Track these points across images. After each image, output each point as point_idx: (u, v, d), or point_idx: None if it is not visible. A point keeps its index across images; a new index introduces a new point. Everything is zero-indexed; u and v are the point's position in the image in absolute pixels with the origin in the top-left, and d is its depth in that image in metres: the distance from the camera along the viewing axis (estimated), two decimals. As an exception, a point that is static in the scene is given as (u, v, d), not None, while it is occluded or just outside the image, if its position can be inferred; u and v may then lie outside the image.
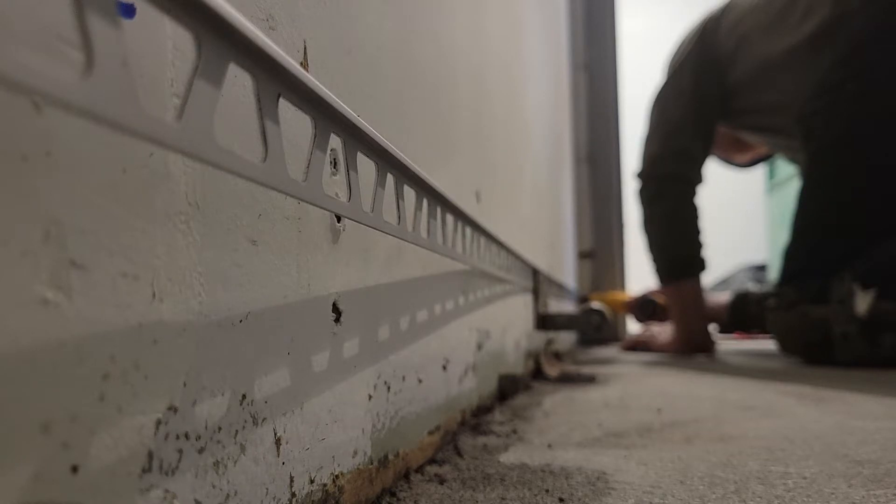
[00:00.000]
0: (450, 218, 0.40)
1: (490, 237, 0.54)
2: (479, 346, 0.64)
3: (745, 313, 1.50)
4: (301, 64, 0.28)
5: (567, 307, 1.46)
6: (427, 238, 0.35)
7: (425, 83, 0.49)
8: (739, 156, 1.72)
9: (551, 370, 1.02)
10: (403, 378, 0.41)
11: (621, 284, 2.13)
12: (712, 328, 1.51)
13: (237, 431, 0.23)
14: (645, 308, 1.70)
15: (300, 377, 0.27)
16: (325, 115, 0.22)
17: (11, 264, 0.14)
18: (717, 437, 0.52)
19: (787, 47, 1.28)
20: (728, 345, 1.75)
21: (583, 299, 1.80)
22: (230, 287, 0.23)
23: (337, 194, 0.29)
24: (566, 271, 1.65)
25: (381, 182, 0.28)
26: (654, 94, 1.55)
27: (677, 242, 1.47)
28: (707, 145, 1.49)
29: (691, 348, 1.44)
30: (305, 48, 0.29)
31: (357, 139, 0.25)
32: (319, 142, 0.22)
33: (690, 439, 0.51)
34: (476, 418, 0.61)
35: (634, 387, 0.88)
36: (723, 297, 1.57)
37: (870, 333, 1.08)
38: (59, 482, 0.15)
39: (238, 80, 0.23)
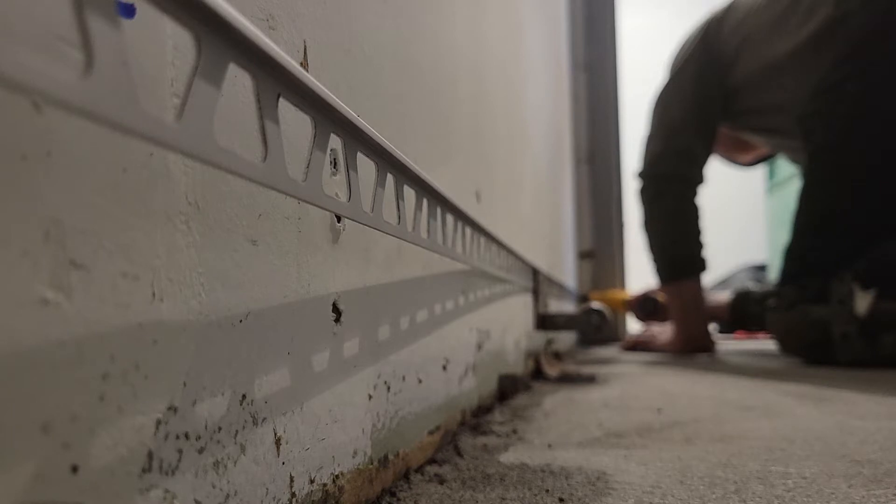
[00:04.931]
0: (450, 218, 0.40)
1: (490, 237, 0.54)
2: (479, 346, 0.64)
3: (746, 312, 1.49)
4: (301, 64, 0.28)
5: (567, 307, 1.46)
6: (427, 238, 0.35)
7: (425, 83, 0.49)
8: (742, 156, 1.72)
9: (551, 370, 1.02)
10: (403, 378, 0.41)
11: (621, 284, 2.13)
12: (712, 328, 1.51)
13: (237, 431, 0.23)
14: (646, 306, 1.69)
15: (300, 377, 0.27)
16: (325, 115, 0.22)
17: (11, 264, 0.14)
18: (717, 437, 0.52)
19: (788, 47, 1.28)
20: (728, 345, 1.75)
21: (583, 298, 1.79)
22: (230, 287, 0.23)
23: (337, 194, 0.29)
24: (566, 271, 1.64)
25: (381, 182, 0.28)
26: (655, 94, 1.55)
27: (678, 242, 1.47)
28: (708, 145, 1.49)
29: (691, 348, 1.44)
30: (305, 48, 0.29)
31: (357, 139, 0.25)
32: (319, 142, 0.22)
33: (690, 439, 0.51)
34: (476, 418, 0.61)
35: (634, 387, 0.88)
36: (723, 296, 1.57)
37: (870, 333, 1.08)
38: (59, 482, 0.15)
39: (238, 80, 0.23)
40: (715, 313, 1.55)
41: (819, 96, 1.22)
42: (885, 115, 1.15)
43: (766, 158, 1.78)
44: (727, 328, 1.58)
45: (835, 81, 1.19)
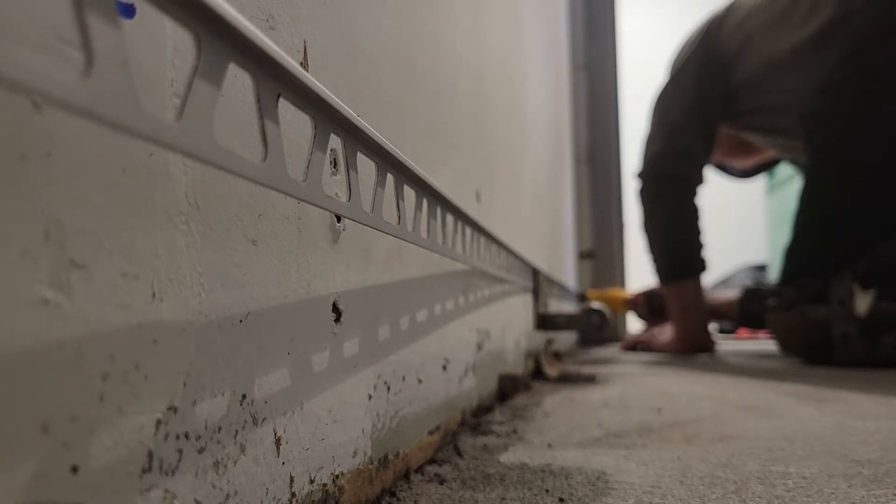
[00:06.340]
0: (450, 218, 0.40)
1: (490, 237, 0.54)
2: (479, 346, 0.64)
3: (756, 309, 1.48)
4: (301, 64, 0.28)
5: (567, 307, 1.46)
6: (427, 238, 0.35)
7: (425, 83, 0.49)
8: (744, 159, 1.71)
9: (551, 370, 1.02)
10: (403, 378, 0.41)
11: (621, 284, 2.13)
12: (712, 328, 1.51)
13: (237, 431, 0.23)
14: (652, 303, 1.68)
15: (300, 377, 0.27)
16: (325, 115, 0.22)
17: (11, 264, 0.14)
18: (717, 437, 0.52)
19: (790, 46, 1.28)
20: (728, 345, 1.75)
21: (581, 297, 1.79)
22: (230, 287, 0.23)
23: (337, 194, 0.29)
24: (566, 271, 1.64)
25: (381, 182, 0.28)
26: (656, 94, 1.55)
27: (678, 242, 1.47)
28: (709, 146, 1.49)
29: (691, 348, 1.44)
30: (305, 48, 0.29)
31: (357, 139, 0.25)
32: (319, 142, 0.22)
33: (690, 439, 0.51)
34: (476, 418, 0.61)
35: (634, 387, 0.88)
36: (731, 294, 1.57)
37: (870, 333, 1.08)
38: (59, 482, 0.15)
39: (238, 80, 0.23)
40: (722, 311, 1.54)
41: (821, 96, 1.22)
42: (887, 115, 1.15)
43: (764, 168, 1.77)
44: (735, 326, 1.57)
45: (837, 81, 1.19)
